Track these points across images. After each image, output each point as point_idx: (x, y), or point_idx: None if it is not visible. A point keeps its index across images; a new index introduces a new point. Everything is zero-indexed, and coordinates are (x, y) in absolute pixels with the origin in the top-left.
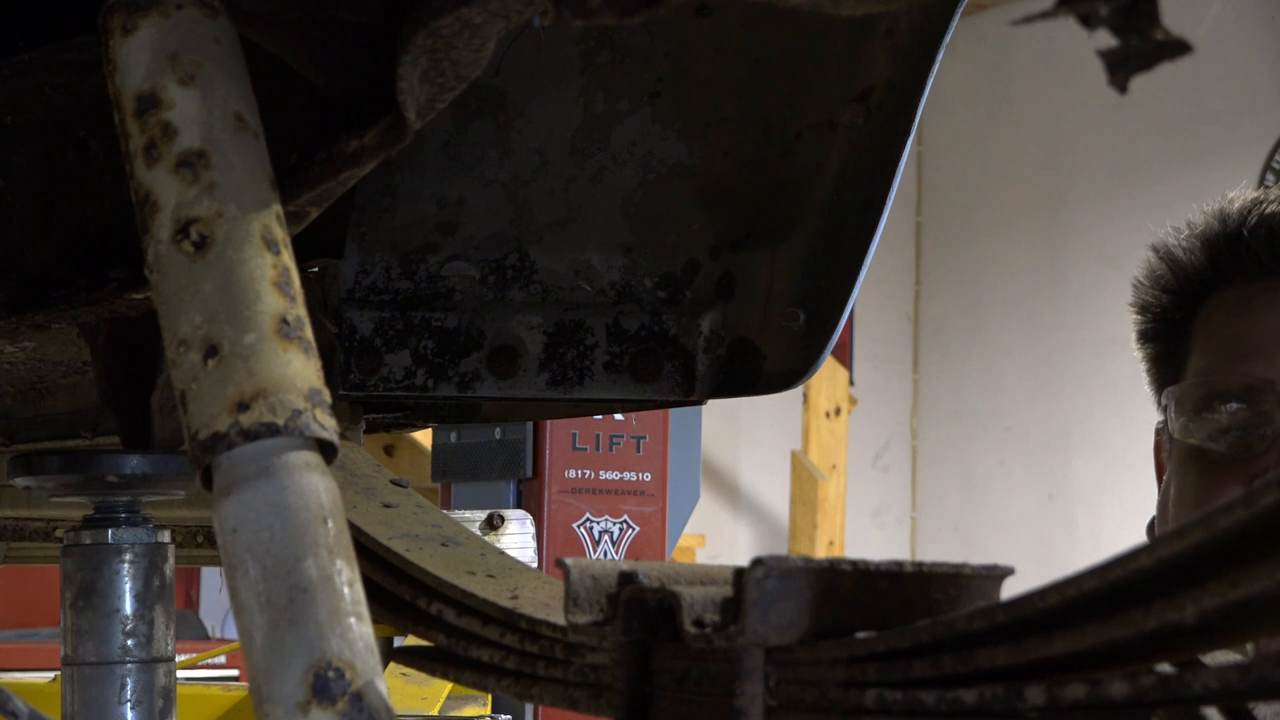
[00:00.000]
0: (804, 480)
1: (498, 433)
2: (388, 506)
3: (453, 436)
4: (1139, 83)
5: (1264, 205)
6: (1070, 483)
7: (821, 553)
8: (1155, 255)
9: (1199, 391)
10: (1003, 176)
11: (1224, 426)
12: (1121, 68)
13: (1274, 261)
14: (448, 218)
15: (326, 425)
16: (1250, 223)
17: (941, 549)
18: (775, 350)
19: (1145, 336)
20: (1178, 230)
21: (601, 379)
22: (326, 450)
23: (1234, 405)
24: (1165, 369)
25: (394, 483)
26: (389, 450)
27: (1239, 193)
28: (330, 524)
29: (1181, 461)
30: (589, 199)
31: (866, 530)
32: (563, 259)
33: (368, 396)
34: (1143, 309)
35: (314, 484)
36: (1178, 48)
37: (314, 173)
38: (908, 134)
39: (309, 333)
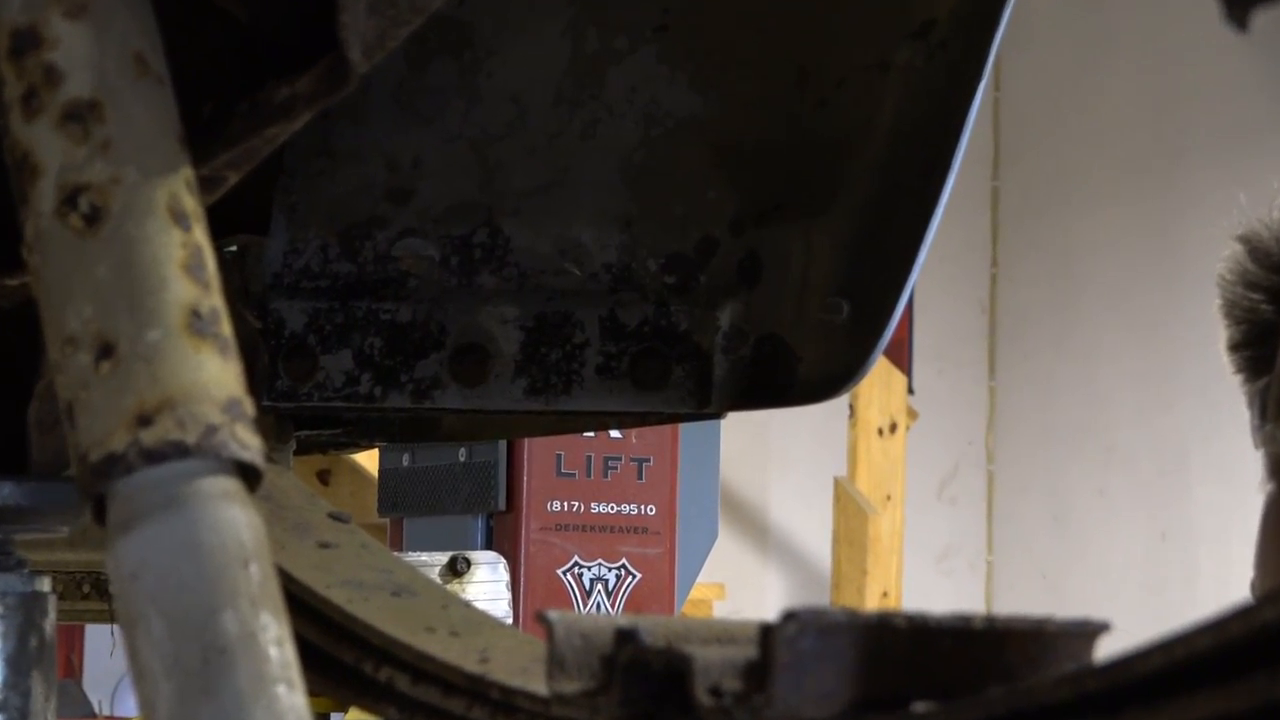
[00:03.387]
0: (850, 515)
1: (463, 454)
2: (325, 547)
3: (405, 460)
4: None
5: None
6: (1189, 518)
7: (872, 605)
8: (1242, 247)
9: None
10: (1101, 130)
11: None
12: (1239, 1)
13: None
14: (400, 183)
15: (249, 444)
16: None
17: (1024, 600)
18: (813, 350)
19: (1236, 346)
20: (1268, 215)
21: (593, 386)
22: (249, 475)
23: None
24: (1260, 379)
25: (333, 517)
26: (324, 477)
27: None
28: (253, 568)
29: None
30: (578, 160)
31: (929, 578)
32: (545, 235)
33: (299, 408)
34: (1231, 313)
35: (233, 518)
36: None
37: (234, 128)
38: (979, 77)
39: (227, 328)
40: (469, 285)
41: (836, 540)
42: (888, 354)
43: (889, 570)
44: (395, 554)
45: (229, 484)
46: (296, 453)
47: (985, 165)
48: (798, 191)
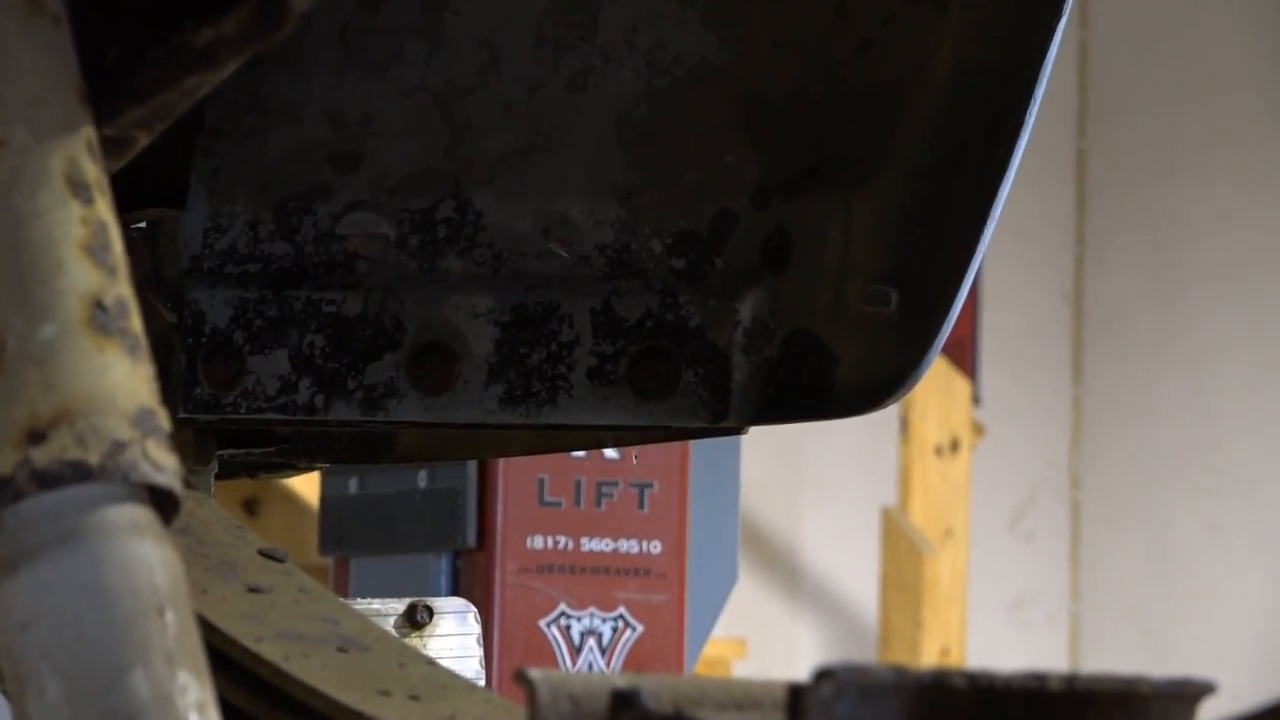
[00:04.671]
0: (902, 553)
1: (423, 479)
2: (256, 591)
3: (353, 485)
4: None
5: None
6: None
7: (930, 663)
8: None
9: None
10: (1211, 80)
11: None
12: None
13: None
14: (347, 146)
15: (163, 465)
16: None
17: (1116, 658)
18: (854, 349)
19: None
20: None
21: (585, 395)
22: (163, 503)
23: None
24: None
25: (265, 555)
26: (253, 506)
27: None
28: (169, 617)
29: None
30: (565, 117)
31: (1000, 630)
32: (524, 210)
33: (223, 421)
34: None
35: (144, 556)
36: None
37: (145, 78)
38: (1059, 14)
39: (136, 323)
40: (431, 270)
41: (885, 585)
42: (947, 355)
43: (949, 622)
44: (341, 601)
45: (139, 514)
46: (220, 476)
47: (1068, 123)
48: (836, 154)
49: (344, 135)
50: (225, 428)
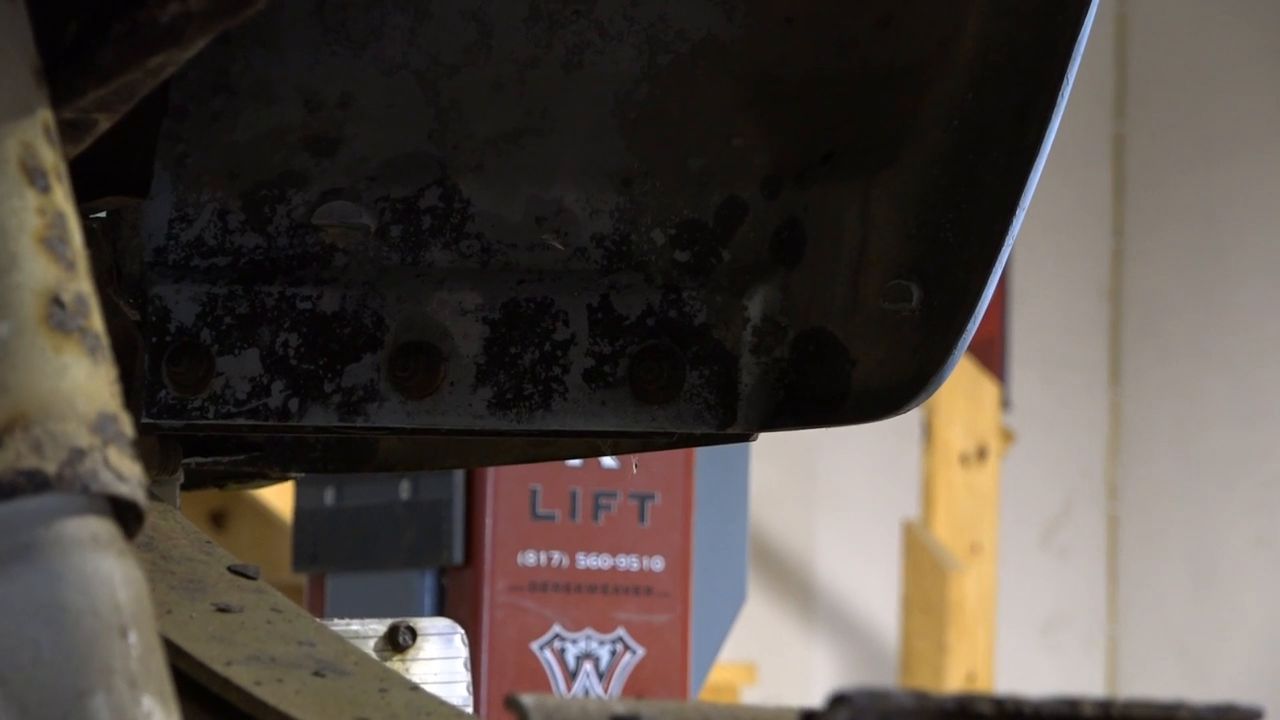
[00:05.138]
0: (925, 571)
1: (406, 490)
2: (225, 611)
3: (329, 497)
4: None
5: None
6: None
7: (954, 689)
8: None
9: None
10: (1262, 58)
11: None
12: None
13: None
14: (324, 129)
15: (126, 474)
16: None
17: (1157, 683)
18: (872, 350)
19: None
20: None
21: (581, 398)
22: (126, 516)
23: None
24: None
25: (235, 572)
26: (221, 519)
27: None
28: (132, 638)
29: None
30: (560, 98)
31: (1031, 653)
32: (515, 198)
33: (190, 428)
34: None
35: (106, 572)
36: None
37: (106, 56)
38: None
39: (97, 321)
40: (415, 263)
41: (907, 605)
42: (974, 355)
43: (976, 645)
44: (317, 621)
45: (100, 527)
46: (186, 486)
47: (1105, 104)
48: (852, 139)
49: (320, 118)
50: (192, 434)
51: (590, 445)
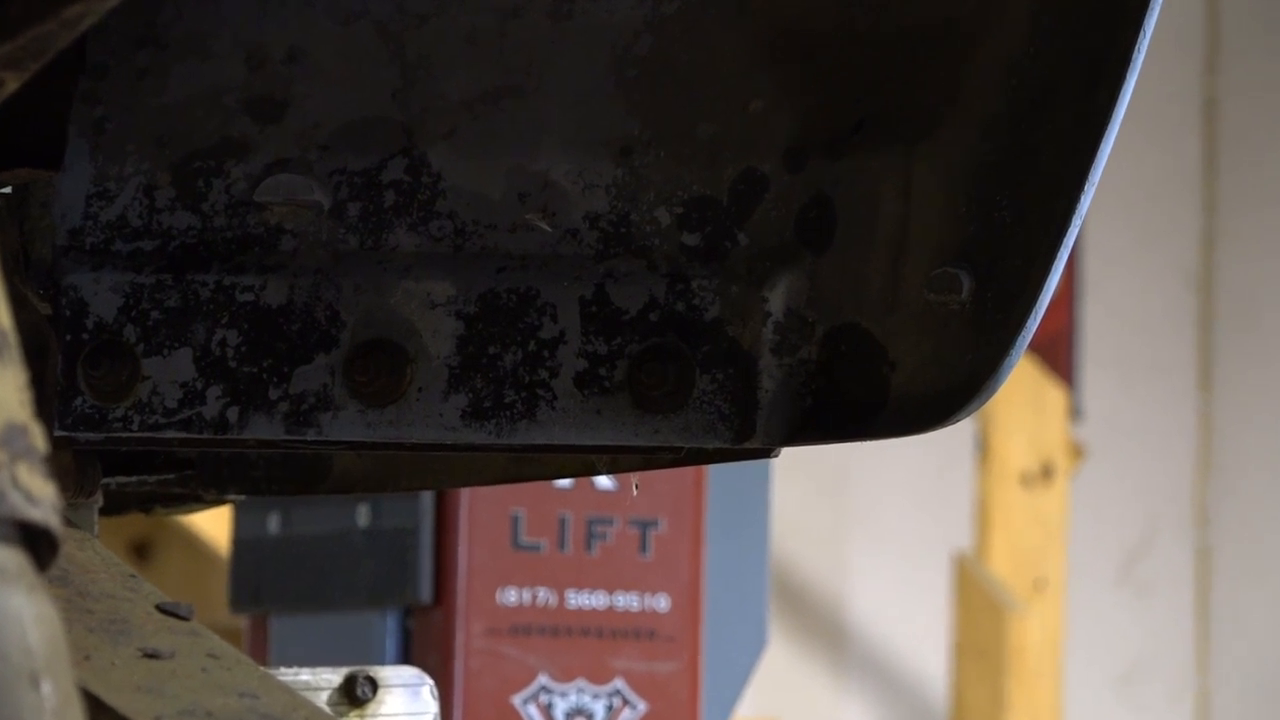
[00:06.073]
0: (980, 611)
1: (364, 516)
2: (154, 657)
3: (273, 524)
4: None
5: None
6: None
7: None
8: None
9: None
10: None
11: None
12: None
13: None
14: (268, 89)
15: (38, 496)
16: None
17: None
18: (914, 350)
19: None
20: None
21: (572, 407)
22: (37, 545)
23: None
24: None
25: (165, 611)
26: (145, 550)
27: None
28: (46, 688)
29: None
30: (547, 53)
31: (1107, 708)
32: (494, 170)
33: (110, 442)
34: None
35: (14, 611)
36: None
37: (14, 6)
38: None
39: (3, 316)
40: (376, 248)
41: (958, 652)
42: (1037, 355)
43: (1041, 698)
44: (261, 669)
45: (7, 558)
46: (106, 511)
47: (1194, 61)
48: (891, 101)
49: (264, 76)
50: (113, 449)
51: (583, 463)
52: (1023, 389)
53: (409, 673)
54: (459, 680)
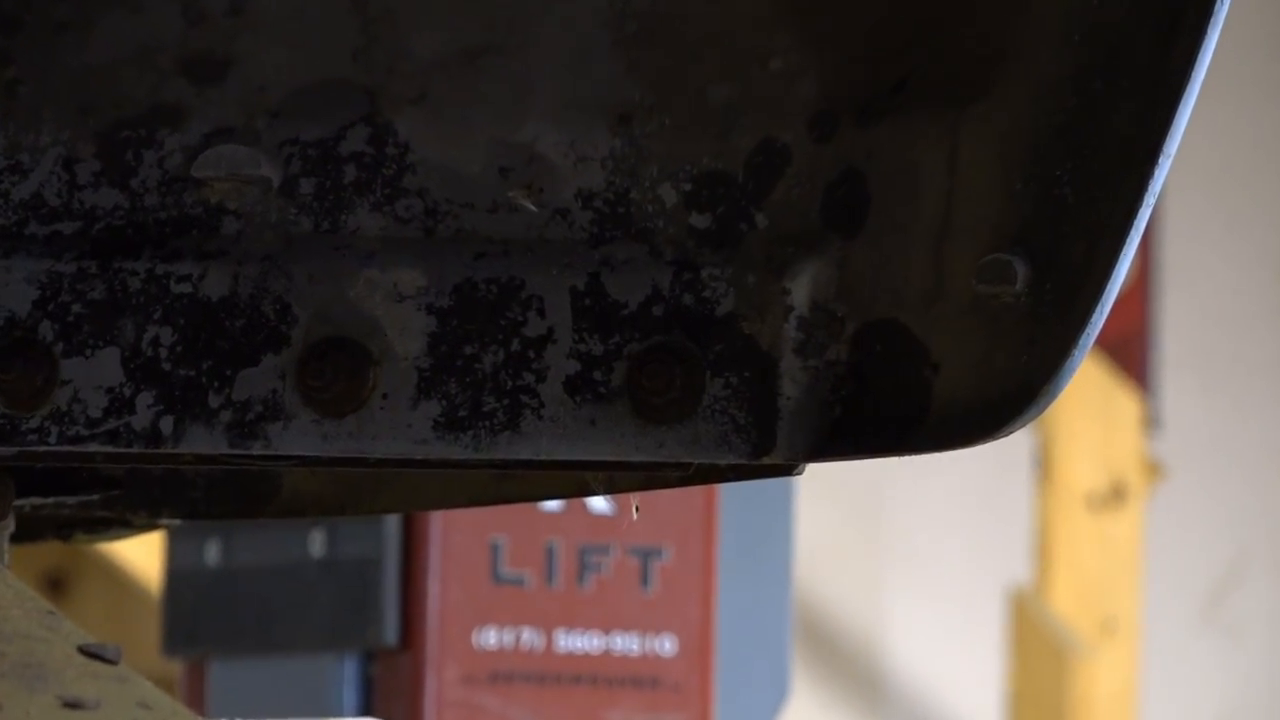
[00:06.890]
0: (1039, 654)
1: (319, 544)
2: (76, 708)
3: (212, 554)
4: None
5: None
6: None
7: None
8: None
9: None
10: None
11: None
12: None
13: None
14: (208, 47)
15: None
16: None
17: None
18: (961, 350)
19: None
20: None
21: (562, 417)
22: None
23: None
24: None
25: (88, 654)
26: (61, 583)
27: None
28: None
29: None
30: (531, 6)
31: None
32: (471, 141)
33: (23, 457)
34: None
35: None
36: None
37: None
38: None
39: None
40: (334, 231)
41: (1015, 702)
42: (1107, 357)
43: None
44: None
45: None
46: (18, 537)
47: None
48: (935, 61)
49: (204, 31)
50: (27, 465)
51: (575, 481)
52: (1089, 396)
53: None
54: None
